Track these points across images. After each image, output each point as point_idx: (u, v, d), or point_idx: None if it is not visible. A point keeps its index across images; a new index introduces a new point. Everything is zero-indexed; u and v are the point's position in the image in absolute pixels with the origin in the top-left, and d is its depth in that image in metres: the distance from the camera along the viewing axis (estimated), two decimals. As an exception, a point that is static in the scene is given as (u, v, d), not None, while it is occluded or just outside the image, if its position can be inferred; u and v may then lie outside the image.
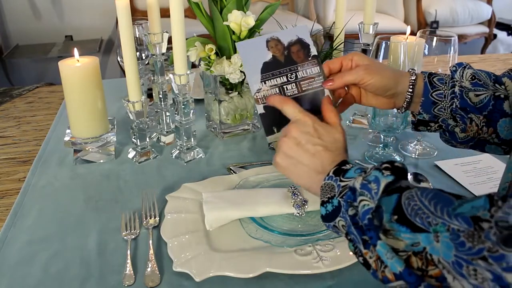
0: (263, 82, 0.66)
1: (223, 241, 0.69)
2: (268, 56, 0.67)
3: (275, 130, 0.66)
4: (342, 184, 0.52)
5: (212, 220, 0.71)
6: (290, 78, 0.67)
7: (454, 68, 0.68)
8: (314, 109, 0.66)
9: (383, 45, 0.90)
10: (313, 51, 0.68)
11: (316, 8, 3.73)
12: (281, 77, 0.67)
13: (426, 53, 0.90)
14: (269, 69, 0.67)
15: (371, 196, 0.47)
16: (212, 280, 0.62)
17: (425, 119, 0.70)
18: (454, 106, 0.66)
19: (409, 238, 0.43)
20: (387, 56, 0.90)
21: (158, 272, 0.65)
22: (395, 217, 0.45)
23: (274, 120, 0.66)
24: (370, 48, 1.03)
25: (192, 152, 0.97)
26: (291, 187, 0.75)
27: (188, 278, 0.62)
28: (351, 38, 1.18)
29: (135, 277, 0.64)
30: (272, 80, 0.66)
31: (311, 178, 0.57)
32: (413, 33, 0.96)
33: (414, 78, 0.68)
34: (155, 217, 0.76)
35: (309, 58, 0.68)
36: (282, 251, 0.66)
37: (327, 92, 0.67)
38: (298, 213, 0.72)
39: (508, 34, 4.04)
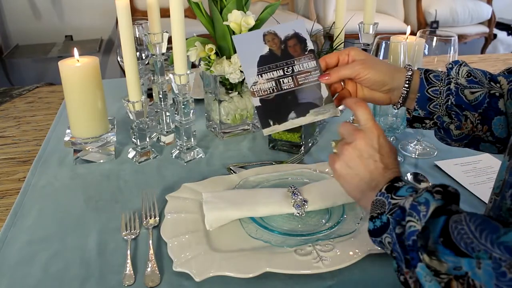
0: (259, 75, 0.66)
1: (223, 241, 0.69)
2: (265, 49, 0.67)
3: (271, 123, 0.66)
4: (393, 202, 0.52)
5: (212, 220, 0.71)
6: (287, 71, 0.67)
7: (450, 66, 0.68)
8: (310, 102, 0.67)
9: (383, 45, 0.90)
10: (310, 45, 0.68)
11: (316, 8, 3.73)
12: (277, 71, 0.67)
13: (426, 53, 0.90)
14: (265, 62, 0.67)
15: (419, 218, 0.46)
16: (212, 280, 0.62)
17: (420, 115, 0.69)
18: (449, 103, 0.66)
19: (452, 262, 0.43)
20: (387, 56, 0.90)
21: (158, 272, 0.65)
22: (441, 239, 0.44)
23: (270, 113, 0.66)
24: (370, 48, 1.03)
25: (192, 152, 0.97)
26: (291, 187, 0.75)
27: (188, 278, 0.62)
28: (351, 38, 1.18)
29: (135, 277, 0.64)
30: (268, 73, 0.67)
31: (364, 192, 0.57)
32: (413, 33, 0.96)
33: (410, 73, 0.68)
34: (155, 217, 0.76)
35: (306, 53, 0.68)
36: (282, 251, 0.66)
37: (323, 86, 0.67)
38: (298, 213, 0.72)
39: (508, 34, 4.04)
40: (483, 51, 3.83)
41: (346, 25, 1.09)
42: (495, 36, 3.88)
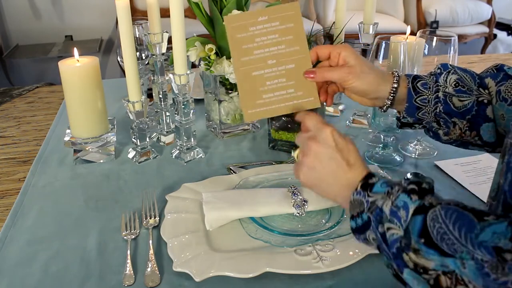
0: None
1: (223, 241, 0.69)
2: None
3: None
4: (371, 199, 0.52)
5: (212, 220, 0.71)
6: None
7: (438, 71, 0.69)
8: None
9: (383, 45, 0.90)
10: None
11: (316, 8, 3.73)
12: None
13: (426, 53, 0.90)
14: None
15: (400, 225, 0.47)
16: (212, 280, 0.62)
17: (409, 122, 0.72)
18: (438, 110, 0.68)
19: (438, 260, 0.44)
20: (387, 56, 0.90)
21: (158, 272, 0.65)
22: (422, 240, 0.45)
23: None
24: (370, 48, 1.03)
25: (192, 152, 0.97)
26: (291, 187, 0.75)
27: (188, 278, 0.62)
28: (351, 38, 1.18)
29: (135, 277, 0.64)
30: None
31: (337, 193, 0.58)
32: (413, 33, 0.96)
33: (396, 86, 0.69)
34: (155, 217, 0.76)
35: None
36: (282, 251, 0.66)
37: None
38: (298, 213, 0.72)
39: (508, 34, 4.04)
40: (483, 51, 3.83)
41: (346, 25, 1.09)
42: (495, 36, 3.88)
